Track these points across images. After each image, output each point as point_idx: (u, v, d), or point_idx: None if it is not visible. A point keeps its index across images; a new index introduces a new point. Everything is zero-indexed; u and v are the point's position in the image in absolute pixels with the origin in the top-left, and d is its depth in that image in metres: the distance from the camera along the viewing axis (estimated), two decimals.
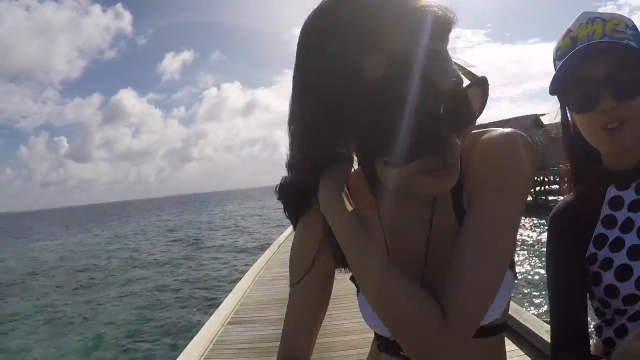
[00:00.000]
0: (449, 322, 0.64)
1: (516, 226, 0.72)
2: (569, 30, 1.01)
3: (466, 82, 0.61)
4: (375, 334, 0.93)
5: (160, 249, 26.28)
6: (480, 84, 0.62)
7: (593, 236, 1.02)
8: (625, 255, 0.95)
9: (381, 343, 0.91)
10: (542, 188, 29.80)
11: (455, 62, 0.62)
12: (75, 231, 52.12)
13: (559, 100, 1.08)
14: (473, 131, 0.72)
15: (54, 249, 32.47)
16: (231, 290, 6.86)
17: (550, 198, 28.35)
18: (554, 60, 1.05)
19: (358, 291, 0.87)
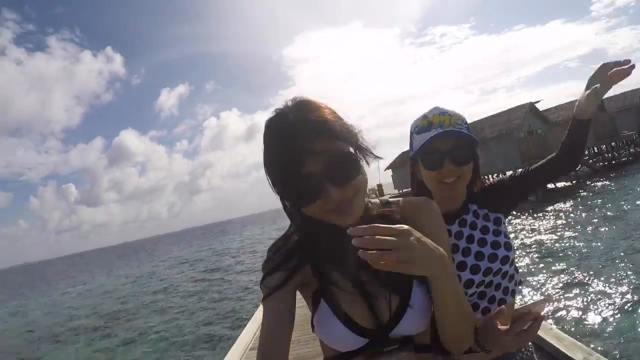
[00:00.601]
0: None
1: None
2: (425, 116, 1.54)
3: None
4: (330, 355, 1.10)
5: (183, 281, 26.36)
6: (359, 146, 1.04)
7: None
8: (455, 268, 1.41)
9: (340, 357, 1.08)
10: None
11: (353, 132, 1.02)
12: (97, 274, 51.87)
13: (414, 160, 1.59)
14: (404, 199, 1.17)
15: (83, 294, 32.11)
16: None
17: (558, 185, 27.30)
18: (412, 133, 1.57)
19: (314, 314, 1.09)
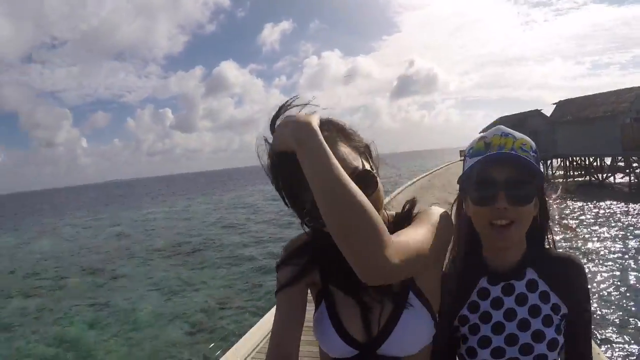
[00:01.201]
0: (396, 241, 0.88)
1: (430, 239, 1.01)
2: (484, 137, 1.20)
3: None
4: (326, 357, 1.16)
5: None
6: (369, 156, 1.11)
7: (459, 314, 1.24)
8: (476, 342, 1.19)
9: None
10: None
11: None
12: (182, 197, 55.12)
13: (461, 190, 1.26)
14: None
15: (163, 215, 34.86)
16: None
17: None
18: (465, 157, 1.23)
19: (316, 309, 1.17)
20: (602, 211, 18.67)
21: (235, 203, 41.73)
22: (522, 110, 34.57)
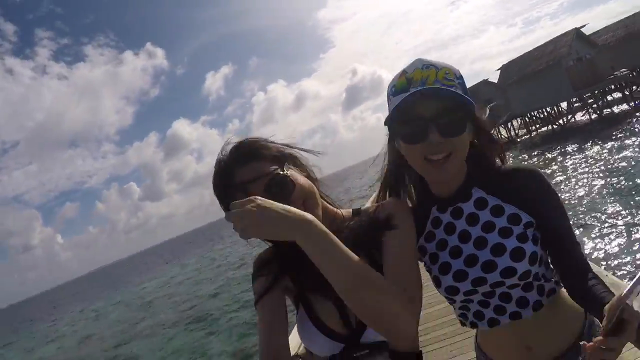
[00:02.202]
0: (410, 298, 0.98)
1: (413, 256, 1.13)
2: (405, 71, 1.13)
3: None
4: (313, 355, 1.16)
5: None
6: (291, 162, 1.15)
7: (418, 245, 1.25)
8: (437, 270, 1.23)
9: None
10: (603, 100, 28.18)
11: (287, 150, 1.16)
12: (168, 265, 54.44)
13: (390, 131, 1.23)
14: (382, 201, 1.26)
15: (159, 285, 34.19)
16: None
17: (615, 110, 26.81)
18: (388, 95, 1.16)
19: (297, 313, 1.19)
20: (571, 152, 19.19)
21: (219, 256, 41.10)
22: (471, 85, 35.25)
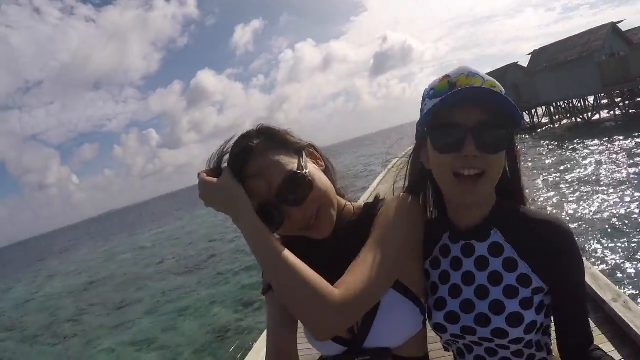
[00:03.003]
0: (339, 293, 0.89)
1: (388, 257, 0.97)
2: (447, 76, 1.01)
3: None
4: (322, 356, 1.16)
5: None
6: (309, 155, 1.09)
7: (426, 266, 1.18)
8: (433, 303, 1.12)
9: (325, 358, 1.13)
10: (632, 100, 27.58)
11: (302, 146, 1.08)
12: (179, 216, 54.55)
13: (419, 138, 1.10)
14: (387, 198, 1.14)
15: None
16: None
17: None
18: (425, 98, 1.04)
19: None
20: (595, 148, 19.01)
21: None
22: (500, 66, 34.85)
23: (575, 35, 29.72)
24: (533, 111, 33.57)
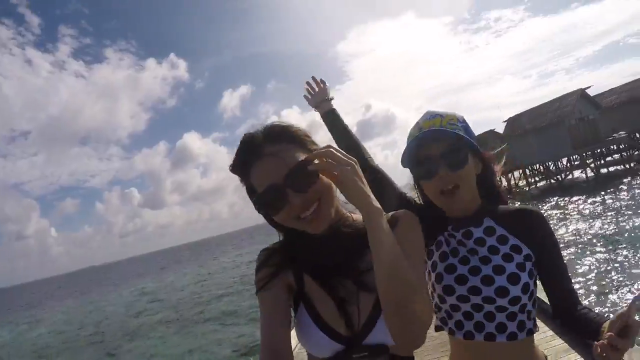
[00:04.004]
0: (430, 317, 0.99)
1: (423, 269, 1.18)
2: (417, 122, 1.36)
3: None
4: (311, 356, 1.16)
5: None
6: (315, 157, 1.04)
7: (427, 247, 1.42)
8: (443, 268, 1.35)
9: None
10: (600, 161, 29.37)
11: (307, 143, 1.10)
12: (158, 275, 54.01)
13: (411, 172, 1.39)
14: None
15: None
16: None
17: (611, 169, 27.94)
18: (407, 143, 1.32)
19: (296, 312, 1.16)
20: (567, 204, 19.99)
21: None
22: (482, 132, 36.34)
23: (546, 102, 31.38)
24: (509, 175, 34.74)
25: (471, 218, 1.36)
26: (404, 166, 1.38)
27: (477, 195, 1.37)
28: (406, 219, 1.16)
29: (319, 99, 1.83)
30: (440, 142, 1.27)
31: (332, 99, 1.81)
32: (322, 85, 1.87)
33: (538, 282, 1.32)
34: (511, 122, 33.92)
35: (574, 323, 1.25)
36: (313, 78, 1.89)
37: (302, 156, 1.04)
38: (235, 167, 1.10)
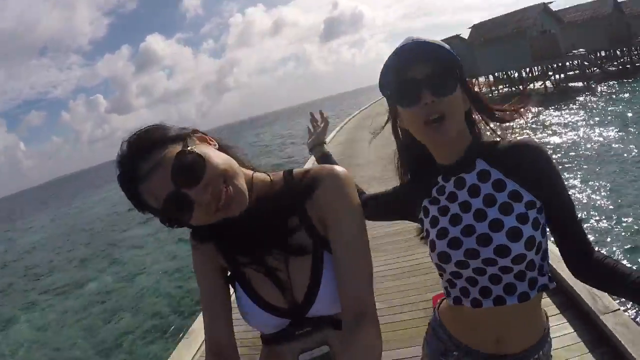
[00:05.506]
0: (368, 311, 0.97)
1: (368, 248, 1.05)
2: (395, 49, 1.12)
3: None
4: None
5: None
6: (198, 139, 0.98)
7: (422, 205, 1.25)
8: (435, 234, 1.18)
9: (265, 338, 1.16)
10: (561, 75, 29.97)
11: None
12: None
13: (387, 99, 1.20)
14: (298, 169, 1.11)
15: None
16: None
17: (570, 84, 28.68)
18: (381, 76, 1.15)
19: (236, 292, 1.12)
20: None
21: None
22: (450, 35, 36.02)
23: (510, 13, 31.15)
24: (474, 80, 35.19)
25: (461, 162, 1.17)
26: (383, 93, 1.19)
27: (467, 132, 1.18)
28: (328, 180, 1.06)
29: (317, 141, 1.78)
30: (423, 63, 1.07)
31: (325, 143, 1.82)
32: (324, 123, 1.82)
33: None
34: (475, 29, 33.76)
35: (593, 273, 1.09)
36: (320, 112, 1.87)
37: (176, 149, 0.91)
38: (128, 197, 0.95)
